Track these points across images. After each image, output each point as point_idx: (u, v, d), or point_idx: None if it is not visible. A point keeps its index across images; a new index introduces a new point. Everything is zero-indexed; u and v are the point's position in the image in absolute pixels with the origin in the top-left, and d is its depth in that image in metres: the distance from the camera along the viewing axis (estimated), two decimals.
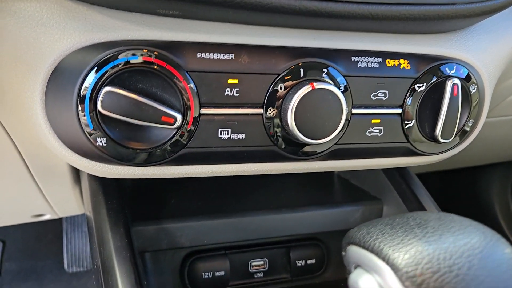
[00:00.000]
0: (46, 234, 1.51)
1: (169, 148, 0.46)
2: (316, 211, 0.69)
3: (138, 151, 0.45)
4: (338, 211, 0.70)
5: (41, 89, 0.42)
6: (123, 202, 0.58)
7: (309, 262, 0.77)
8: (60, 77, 0.41)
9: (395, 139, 0.55)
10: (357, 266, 0.32)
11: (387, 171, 0.73)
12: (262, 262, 0.76)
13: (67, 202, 0.84)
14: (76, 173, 0.68)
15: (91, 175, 0.56)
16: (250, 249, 0.75)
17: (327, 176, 0.83)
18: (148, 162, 0.46)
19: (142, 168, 0.47)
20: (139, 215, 0.62)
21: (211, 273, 0.71)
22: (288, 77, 0.48)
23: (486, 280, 0.28)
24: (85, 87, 0.41)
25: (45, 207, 0.83)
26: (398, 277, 0.29)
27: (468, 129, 0.57)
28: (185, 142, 0.46)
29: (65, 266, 1.43)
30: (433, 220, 0.33)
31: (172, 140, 0.45)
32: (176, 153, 0.46)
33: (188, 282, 0.70)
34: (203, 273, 0.71)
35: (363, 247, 0.32)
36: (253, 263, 0.75)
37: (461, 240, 0.30)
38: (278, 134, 0.49)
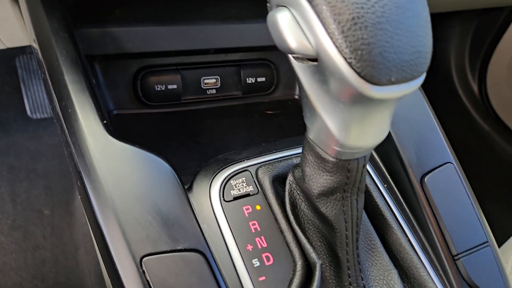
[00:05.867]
0: (3, 87, 1.48)
1: None
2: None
3: None
4: None
5: None
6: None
7: (259, 79, 0.81)
8: None
9: None
10: (279, 5, 0.34)
11: None
12: (214, 80, 0.79)
13: (9, 24, 0.80)
14: None
15: None
16: (202, 66, 0.77)
17: None
18: None
19: None
20: (80, 19, 0.61)
21: (164, 85, 0.74)
22: None
23: None
24: None
25: None
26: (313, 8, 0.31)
27: None
28: None
29: (28, 112, 1.44)
30: None
31: None
32: None
33: (141, 94, 0.73)
34: (156, 85, 0.73)
35: None
36: (206, 81, 0.78)
37: None
38: None
